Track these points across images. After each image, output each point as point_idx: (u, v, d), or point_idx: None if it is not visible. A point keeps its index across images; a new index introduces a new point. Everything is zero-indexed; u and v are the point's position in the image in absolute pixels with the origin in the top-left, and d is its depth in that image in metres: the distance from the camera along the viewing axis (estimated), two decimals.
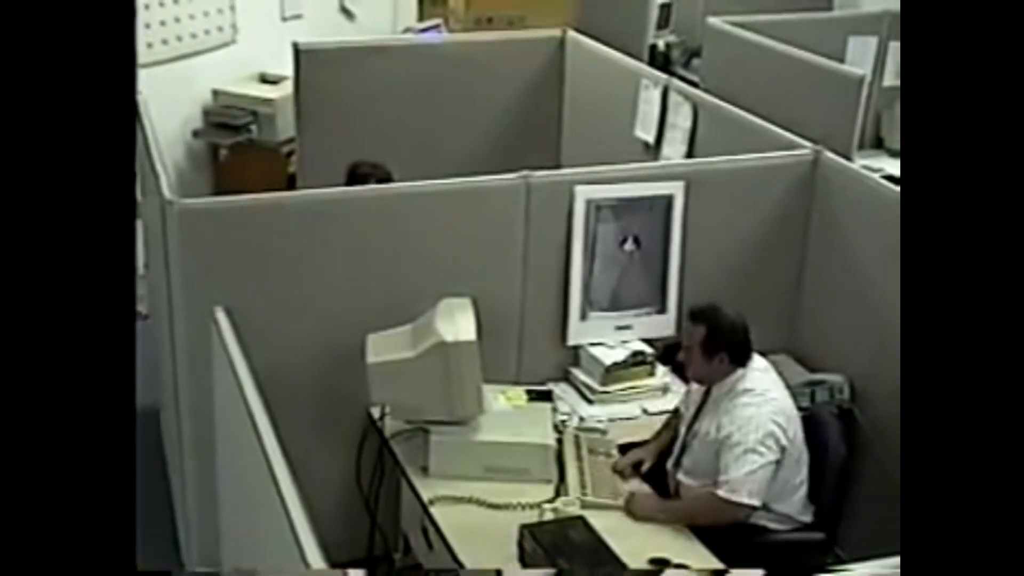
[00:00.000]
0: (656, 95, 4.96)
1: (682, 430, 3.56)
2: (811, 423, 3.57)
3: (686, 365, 3.51)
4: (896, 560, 1.96)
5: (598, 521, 3.14)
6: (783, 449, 3.33)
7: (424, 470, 3.52)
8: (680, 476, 3.51)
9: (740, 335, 3.41)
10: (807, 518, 3.49)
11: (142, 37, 5.91)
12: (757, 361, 3.46)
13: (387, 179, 4.43)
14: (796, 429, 3.42)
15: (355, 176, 4.45)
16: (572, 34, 5.69)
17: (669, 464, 3.56)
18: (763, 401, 3.35)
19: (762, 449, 3.28)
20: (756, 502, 3.27)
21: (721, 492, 3.27)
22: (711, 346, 3.38)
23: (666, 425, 3.70)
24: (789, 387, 3.55)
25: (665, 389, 3.98)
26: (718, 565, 3.13)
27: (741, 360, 3.41)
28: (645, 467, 3.57)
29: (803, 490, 3.48)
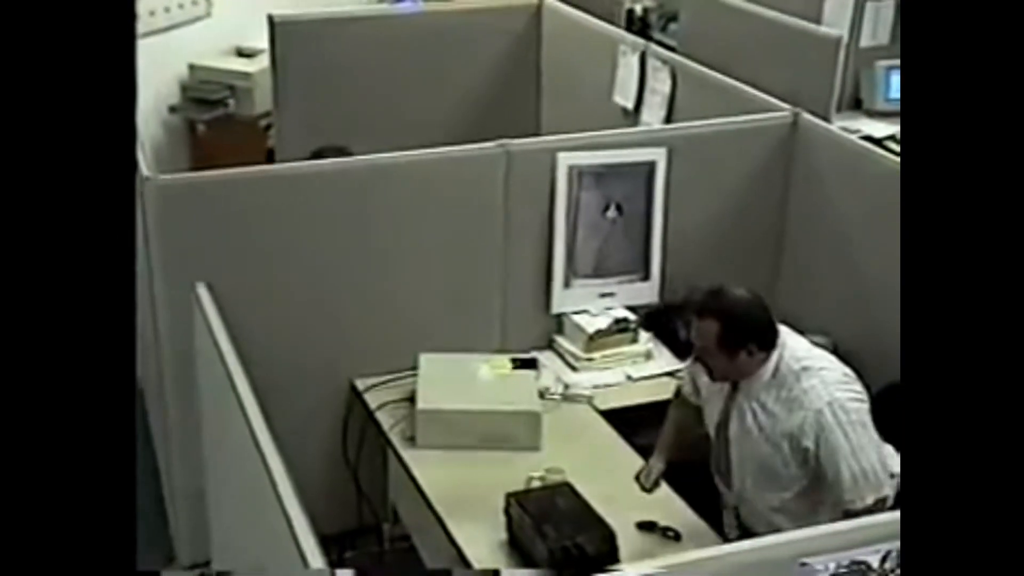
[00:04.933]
0: (634, 61, 4.95)
1: (712, 433, 3.12)
2: None
3: (707, 369, 2.98)
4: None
5: (584, 487, 3.15)
6: (868, 407, 2.88)
7: (411, 440, 3.53)
8: (736, 484, 3.08)
9: (760, 313, 2.88)
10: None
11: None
12: (785, 332, 2.95)
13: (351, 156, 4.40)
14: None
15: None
16: (549, 1, 5.66)
17: (716, 477, 3.18)
18: (823, 381, 2.83)
19: (857, 428, 2.78)
20: (890, 485, 2.78)
21: (855, 508, 2.75)
22: (732, 340, 2.84)
23: (669, 420, 3.33)
24: None
25: (648, 355, 4.00)
26: (705, 527, 3.15)
27: (771, 341, 2.87)
28: (656, 475, 3.19)
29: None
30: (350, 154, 4.24)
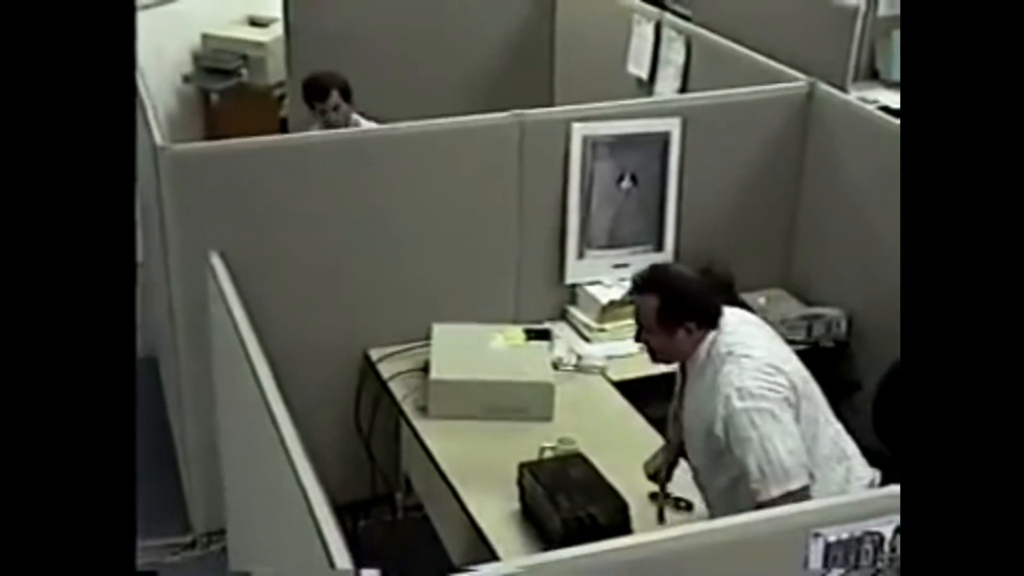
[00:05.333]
0: (649, 30, 4.92)
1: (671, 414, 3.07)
2: None
3: (648, 350, 2.89)
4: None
5: (597, 458, 3.16)
6: (789, 400, 2.74)
7: (424, 410, 3.53)
8: (693, 472, 3.02)
9: (703, 291, 2.84)
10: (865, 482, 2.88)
11: None
12: (730, 314, 2.87)
13: (346, 87, 4.44)
14: (792, 370, 2.80)
15: (315, 87, 4.47)
16: None
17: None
18: (740, 368, 2.72)
19: (766, 417, 2.66)
20: (803, 479, 2.65)
21: (761, 499, 2.64)
22: (671, 316, 2.78)
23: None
24: (783, 321, 3.46)
25: None
26: None
27: (712, 321, 2.80)
28: (657, 465, 3.12)
29: (839, 447, 2.88)
30: (344, 83, 4.37)
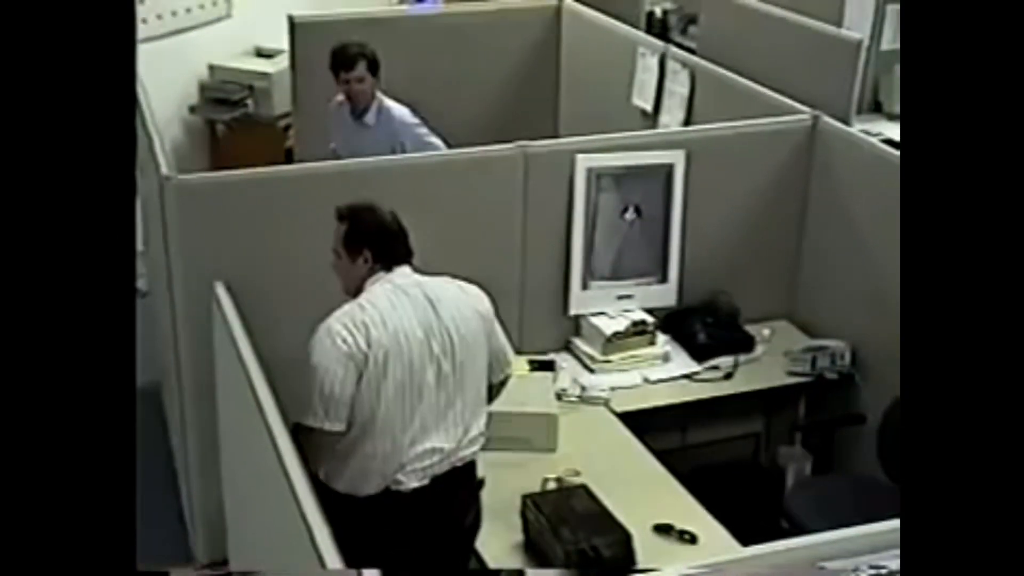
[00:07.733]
0: (654, 63, 4.95)
1: None
2: None
3: (337, 275, 3.05)
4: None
5: (601, 489, 3.15)
6: (354, 358, 2.82)
7: None
8: None
9: (389, 233, 2.98)
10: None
11: (136, 12, 5.88)
12: (399, 274, 2.96)
13: (375, 60, 4.45)
14: (391, 345, 2.84)
15: (342, 56, 4.47)
16: (568, 2, 5.67)
17: None
18: (348, 308, 2.88)
19: (325, 361, 2.81)
20: (331, 425, 2.80)
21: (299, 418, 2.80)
22: (352, 242, 2.95)
23: None
24: (787, 353, 3.46)
25: (666, 358, 3.99)
26: (722, 531, 3.14)
27: (385, 261, 2.95)
28: None
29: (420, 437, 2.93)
30: (373, 55, 4.45)
